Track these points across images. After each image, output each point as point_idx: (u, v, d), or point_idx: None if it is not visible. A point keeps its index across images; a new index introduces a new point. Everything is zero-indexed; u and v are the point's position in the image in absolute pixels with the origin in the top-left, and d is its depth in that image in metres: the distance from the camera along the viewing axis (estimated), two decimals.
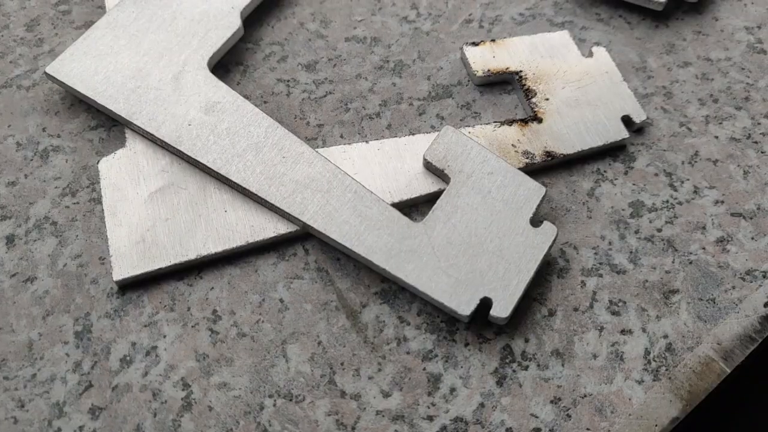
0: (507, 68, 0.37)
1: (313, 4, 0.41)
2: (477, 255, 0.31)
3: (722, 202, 0.34)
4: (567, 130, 0.35)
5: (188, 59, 0.37)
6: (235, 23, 0.39)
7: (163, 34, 0.38)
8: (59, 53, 0.39)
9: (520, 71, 0.37)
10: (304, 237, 0.33)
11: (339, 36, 0.39)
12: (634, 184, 0.34)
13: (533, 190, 0.32)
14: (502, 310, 0.30)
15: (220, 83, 0.36)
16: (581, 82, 0.37)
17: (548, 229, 0.31)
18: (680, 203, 0.34)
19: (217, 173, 0.34)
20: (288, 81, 0.38)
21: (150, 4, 0.39)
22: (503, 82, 0.38)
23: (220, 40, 0.38)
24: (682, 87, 0.37)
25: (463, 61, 0.38)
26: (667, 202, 0.34)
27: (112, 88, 0.36)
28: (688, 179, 0.34)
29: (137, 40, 0.38)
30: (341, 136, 0.36)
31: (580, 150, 0.35)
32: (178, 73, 0.36)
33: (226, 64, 0.38)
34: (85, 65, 0.37)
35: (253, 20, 0.40)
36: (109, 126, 0.36)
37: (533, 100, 0.36)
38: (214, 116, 0.35)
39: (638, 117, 0.36)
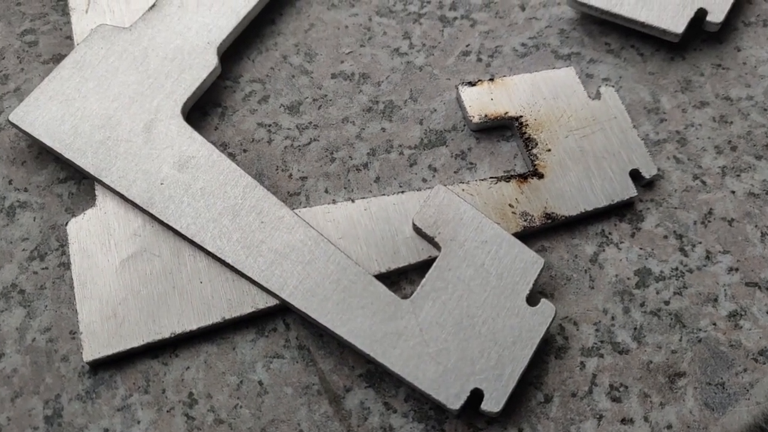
0: (506, 113, 0.35)
1: (297, 34, 0.38)
2: (468, 339, 0.29)
3: (737, 269, 0.32)
4: (570, 187, 0.33)
5: (161, 105, 0.35)
6: (211, 61, 0.36)
7: (133, 74, 0.36)
8: (25, 92, 0.37)
9: (521, 117, 0.34)
10: (284, 309, 0.31)
11: (325, 72, 0.37)
12: (641, 249, 0.32)
13: (530, 262, 0.30)
14: (493, 404, 0.28)
15: (195, 134, 0.34)
16: (587, 130, 0.34)
17: (546, 309, 0.30)
18: (691, 271, 0.32)
19: (192, 240, 0.32)
20: (269, 126, 0.36)
21: (120, 39, 0.36)
22: (502, 126, 0.35)
23: (196, 82, 0.35)
24: (697, 132, 0.35)
25: (459, 102, 0.35)
26: (677, 269, 0.32)
27: (80, 139, 0.34)
28: (700, 242, 0.32)
29: (106, 82, 0.35)
30: (326, 191, 0.34)
31: (583, 211, 0.33)
32: (150, 122, 0.34)
33: (203, 105, 0.36)
34: (51, 112, 0.35)
35: (231, 53, 0.37)
36: (79, 178, 0.35)
37: (534, 151, 0.34)
38: (188, 174, 0.33)
39: (648, 172, 0.33)
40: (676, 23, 0.36)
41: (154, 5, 0.37)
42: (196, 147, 0.34)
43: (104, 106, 0.35)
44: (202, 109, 0.36)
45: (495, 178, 0.33)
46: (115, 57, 0.36)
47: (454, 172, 0.34)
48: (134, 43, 0.36)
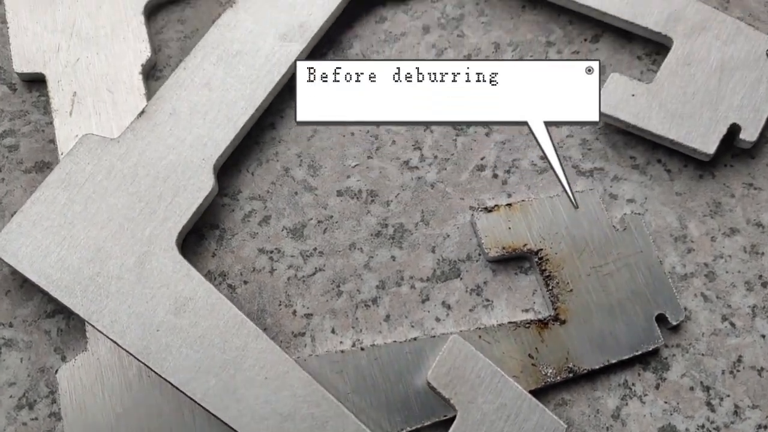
0: (525, 245, 0.32)
1: (299, 142, 0.35)
2: None
3: (765, 426, 0.30)
4: (592, 335, 0.31)
5: (154, 236, 0.32)
6: (207, 183, 0.33)
7: (123, 197, 0.33)
8: (7, 206, 0.34)
9: (540, 250, 0.32)
10: None
11: (330, 188, 0.34)
12: (666, 402, 0.31)
13: (551, 429, 0.29)
14: None
15: (192, 271, 0.32)
16: (611, 266, 0.32)
17: None
18: (718, 429, 0.30)
19: (191, 397, 0.30)
20: (271, 252, 0.33)
21: (107, 153, 0.34)
22: (520, 256, 0.33)
23: (191, 207, 0.33)
24: (727, 264, 0.33)
25: (474, 230, 0.33)
26: (703, 426, 0.30)
27: (67, 275, 0.32)
28: (728, 395, 0.31)
29: (95, 206, 0.33)
30: (333, 331, 0.32)
31: (606, 363, 0.31)
32: (143, 256, 0.32)
33: (200, 227, 0.34)
34: (35, 242, 0.32)
35: (229, 164, 0.35)
36: (69, 312, 0.32)
37: (554, 291, 0.32)
38: (185, 319, 0.31)
39: (675, 317, 0.31)
40: (707, 142, 0.33)
41: (143, 112, 0.34)
42: (193, 287, 0.32)
43: (93, 234, 0.32)
44: (199, 232, 0.34)
45: (514, 323, 0.31)
46: (103, 175, 0.33)
47: (470, 310, 0.32)
48: (123, 158, 0.34)
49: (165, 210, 0.33)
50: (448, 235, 0.34)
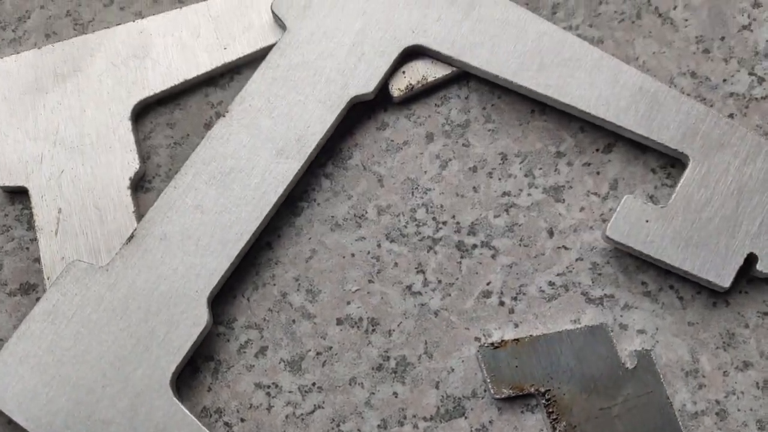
0: (532, 386, 0.32)
1: (297, 264, 0.34)
2: None
3: None
4: None
5: (147, 376, 0.31)
6: (202, 317, 0.32)
7: (114, 332, 0.32)
8: None
9: (548, 391, 0.32)
10: None
11: (329, 316, 0.34)
12: None
13: None
14: None
15: (188, 416, 0.31)
16: (621, 408, 0.32)
17: None
18: None
19: None
20: (269, 387, 0.33)
21: (96, 282, 0.33)
22: (528, 394, 0.33)
23: (186, 345, 0.32)
24: (739, 402, 0.32)
25: (480, 367, 0.33)
26: None
27: (57, 419, 0.31)
28: None
29: (83, 342, 0.32)
30: None
31: None
32: (136, 398, 0.31)
33: (195, 358, 0.33)
34: (23, 381, 0.31)
35: (224, 289, 0.34)
36: None
37: None
38: None
39: None
40: (723, 275, 0.32)
41: (132, 237, 0.33)
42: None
43: (82, 374, 0.32)
44: (193, 364, 0.33)
45: None
46: (92, 308, 0.32)
47: None
48: (113, 288, 0.33)
49: (158, 348, 0.32)
50: (453, 369, 0.33)
